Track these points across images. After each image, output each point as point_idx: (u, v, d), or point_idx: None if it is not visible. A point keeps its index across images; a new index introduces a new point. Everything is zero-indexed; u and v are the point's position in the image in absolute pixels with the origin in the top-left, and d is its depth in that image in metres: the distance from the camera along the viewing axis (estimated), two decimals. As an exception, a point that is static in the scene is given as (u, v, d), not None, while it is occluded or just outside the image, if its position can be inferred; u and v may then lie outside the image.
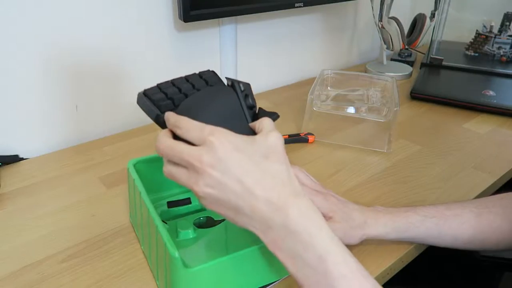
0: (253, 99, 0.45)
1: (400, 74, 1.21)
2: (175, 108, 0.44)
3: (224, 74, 1.02)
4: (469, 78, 1.16)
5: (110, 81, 0.86)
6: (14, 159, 0.77)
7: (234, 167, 0.38)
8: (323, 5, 1.14)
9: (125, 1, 0.81)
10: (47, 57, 0.76)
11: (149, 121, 0.93)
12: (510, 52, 1.25)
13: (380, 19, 1.14)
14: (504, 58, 1.24)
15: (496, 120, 0.96)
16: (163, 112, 0.43)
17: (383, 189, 0.70)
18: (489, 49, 1.28)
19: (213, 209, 0.40)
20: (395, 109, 0.80)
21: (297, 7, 0.97)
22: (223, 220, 0.59)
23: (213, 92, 0.44)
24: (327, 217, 0.52)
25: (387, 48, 1.20)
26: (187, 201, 0.61)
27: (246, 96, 0.45)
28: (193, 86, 0.45)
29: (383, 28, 1.15)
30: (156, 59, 0.91)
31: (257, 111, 0.46)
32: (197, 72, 0.48)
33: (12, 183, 0.71)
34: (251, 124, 0.44)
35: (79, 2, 0.76)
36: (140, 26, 0.85)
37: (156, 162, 0.59)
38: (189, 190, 0.58)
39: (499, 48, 1.27)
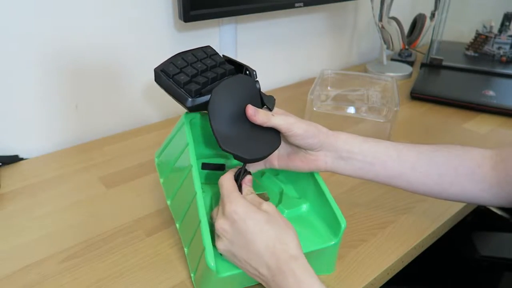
0: (259, 85, 0.54)
1: (400, 74, 1.21)
2: (202, 91, 0.50)
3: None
4: (469, 78, 1.16)
5: (110, 81, 0.86)
6: (14, 159, 0.77)
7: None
8: (323, 5, 1.14)
9: (125, 1, 0.81)
10: (47, 57, 0.76)
11: (148, 121, 0.94)
12: (510, 52, 1.25)
13: (380, 19, 1.14)
14: (504, 58, 1.24)
15: (496, 120, 0.96)
16: (194, 97, 0.50)
17: (383, 189, 0.70)
18: (489, 49, 1.28)
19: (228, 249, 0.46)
20: (395, 109, 0.80)
21: (297, 7, 0.97)
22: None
23: (237, 81, 0.52)
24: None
25: (387, 48, 1.20)
26: (221, 167, 0.61)
27: (256, 82, 0.54)
28: (207, 67, 0.52)
29: (383, 28, 1.15)
30: (156, 59, 0.89)
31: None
32: (195, 47, 0.55)
33: (12, 183, 0.71)
34: None
35: (79, 1, 0.76)
36: (140, 26, 0.85)
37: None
38: (225, 156, 0.63)
39: (499, 48, 1.27)
